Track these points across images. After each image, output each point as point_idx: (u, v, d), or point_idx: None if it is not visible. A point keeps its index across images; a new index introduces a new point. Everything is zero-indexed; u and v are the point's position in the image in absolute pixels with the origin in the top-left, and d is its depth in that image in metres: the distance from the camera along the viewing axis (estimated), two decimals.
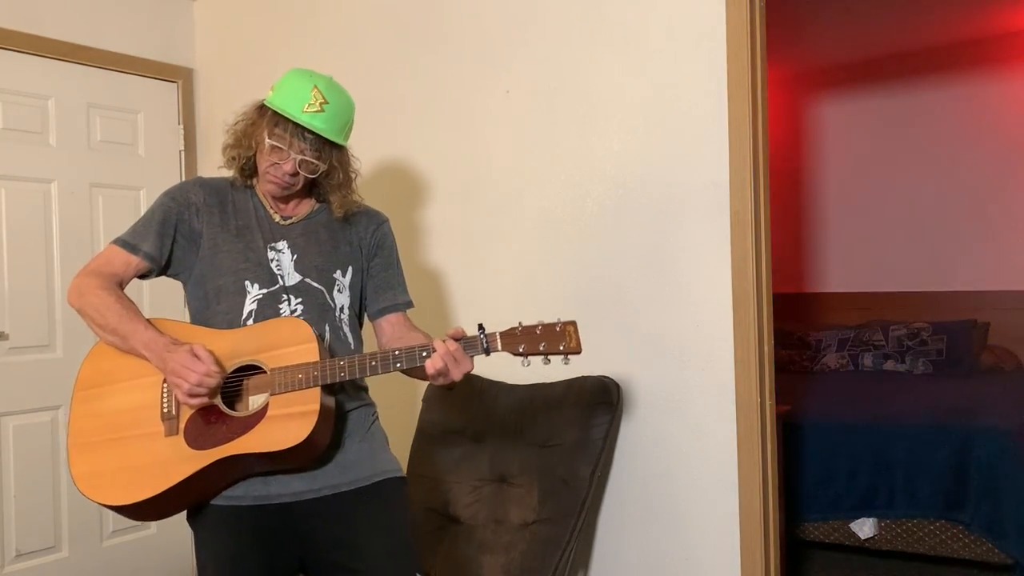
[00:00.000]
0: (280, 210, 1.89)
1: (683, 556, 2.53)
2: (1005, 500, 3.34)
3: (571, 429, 2.53)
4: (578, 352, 1.66)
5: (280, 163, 1.79)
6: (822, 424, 3.75)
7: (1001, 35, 5.25)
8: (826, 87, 5.91)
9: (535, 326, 1.66)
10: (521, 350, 1.66)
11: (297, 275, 1.83)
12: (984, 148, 5.33)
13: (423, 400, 2.88)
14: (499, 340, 1.66)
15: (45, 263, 3.25)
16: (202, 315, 1.82)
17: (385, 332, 1.95)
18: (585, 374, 2.65)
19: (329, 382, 1.66)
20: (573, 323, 1.67)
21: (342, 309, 1.87)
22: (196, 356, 1.65)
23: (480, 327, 1.68)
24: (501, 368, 2.86)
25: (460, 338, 1.67)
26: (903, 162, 5.61)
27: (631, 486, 2.62)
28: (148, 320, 1.74)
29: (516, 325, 1.67)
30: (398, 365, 1.67)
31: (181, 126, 3.69)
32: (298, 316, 1.79)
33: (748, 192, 2.40)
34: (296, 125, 1.76)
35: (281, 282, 1.81)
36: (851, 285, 5.84)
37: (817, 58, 5.72)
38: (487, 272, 2.92)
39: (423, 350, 1.66)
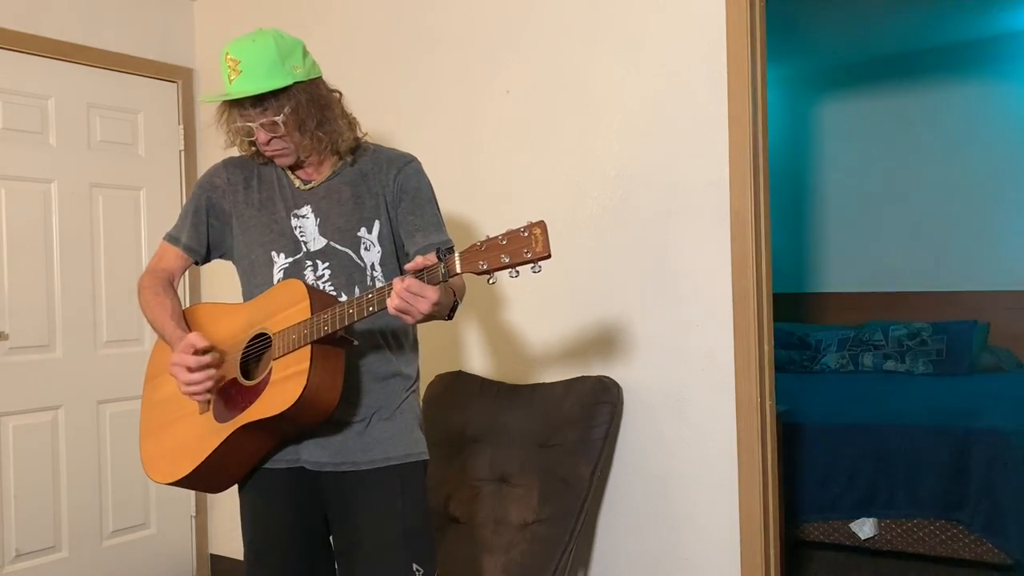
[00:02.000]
0: (304, 176, 1.89)
1: (683, 556, 2.53)
2: (1005, 500, 3.34)
3: (571, 429, 2.53)
4: (546, 256, 1.44)
5: (255, 141, 1.80)
6: (822, 424, 3.75)
7: (1001, 35, 5.25)
8: (826, 87, 5.91)
9: (499, 236, 1.48)
10: (483, 266, 1.47)
11: (322, 239, 1.84)
12: (984, 148, 5.33)
13: (423, 400, 2.88)
14: (458, 262, 1.50)
15: (45, 263, 3.24)
16: (247, 290, 1.91)
17: None
18: (585, 374, 2.65)
19: (317, 337, 1.64)
20: (541, 223, 1.45)
21: (373, 267, 1.85)
22: (183, 352, 1.71)
23: (439, 252, 1.53)
24: (502, 367, 2.86)
25: (419, 269, 1.54)
26: (903, 162, 5.61)
27: (631, 486, 2.62)
28: (182, 312, 1.86)
29: (481, 239, 1.51)
30: (371, 308, 1.59)
31: (181, 126, 3.68)
32: (325, 280, 1.82)
33: (748, 192, 2.40)
34: (231, 102, 1.77)
35: (305, 249, 1.83)
36: (851, 285, 5.85)
37: (817, 58, 5.72)
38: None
39: (389, 287, 1.55)
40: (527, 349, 2.82)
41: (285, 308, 1.71)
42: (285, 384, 1.66)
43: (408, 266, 1.56)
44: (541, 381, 2.74)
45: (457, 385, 2.85)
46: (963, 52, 5.37)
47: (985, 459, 3.40)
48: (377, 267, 1.86)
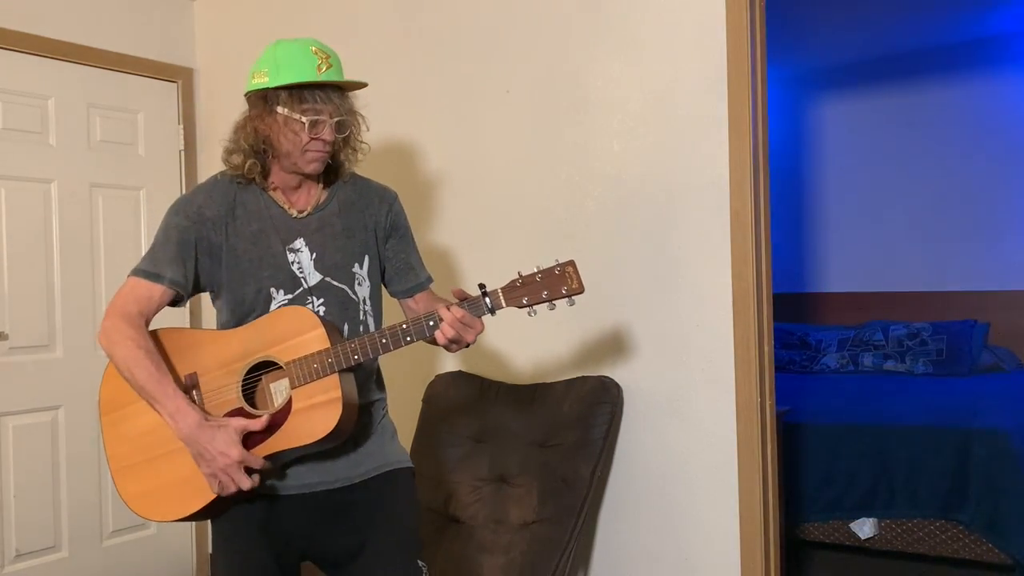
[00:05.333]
0: (293, 203, 1.83)
1: (683, 556, 2.53)
2: (1005, 500, 3.34)
3: (571, 429, 2.53)
4: (581, 291, 1.65)
5: (319, 136, 1.74)
6: (822, 424, 3.75)
7: (1001, 35, 5.25)
8: (826, 87, 5.91)
9: (534, 273, 1.65)
10: (525, 302, 1.65)
11: (318, 274, 1.80)
12: (984, 148, 5.33)
13: (423, 400, 2.88)
14: (502, 297, 1.65)
15: (45, 263, 3.24)
16: (234, 324, 1.79)
17: (412, 310, 1.94)
18: (585, 374, 2.65)
19: (344, 367, 1.66)
20: (572, 263, 1.66)
21: (364, 301, 1.85)
22: (243, 463, 1.63)
23: (481, 287, 1.66)
24: (502, 367, 2.86)
25: (463, 300, 1.66)
26: (903, 162, 5.61)
27: (631, 486, 2.62)
28: (175, 380, 1.69)
29: (515, 277, 1.66)
30: (408, 339, 1.67)
31: (181, 126, 3.68)
32: (320, 316, 1.78)
33: (748, 192, 2.40)
34: (323, 89, 1.73)
35: (304, 284, 1.79)
36: (851, 285, 5.84)
37: (817, 58, 5.72)
38: (486, 272, 2.90)
39: (429, 319, 1.66)
40: (527, 349, 2.82)
41: (293, 336, 1.68)
42: (315, 412, 1.65)
43: (455, 293, 1.66)
44: (541, 381, 2.74)
45: (457, 385, 2.85)
46: (963, 52, 5.37)
47: (985, 459, 3.40)
48: (368, 302, 1.86)
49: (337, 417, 1.64)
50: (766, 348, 2.45)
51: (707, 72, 2.47)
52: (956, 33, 5.21)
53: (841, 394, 4.33)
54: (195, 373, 1.73)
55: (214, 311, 1.87)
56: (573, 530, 2.41)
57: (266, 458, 1.67)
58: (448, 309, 1.64)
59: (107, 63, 3.43)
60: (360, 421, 1.81)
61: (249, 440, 1.66)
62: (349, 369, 1.69)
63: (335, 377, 1.66)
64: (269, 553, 1.77)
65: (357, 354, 1.65)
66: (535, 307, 1.65)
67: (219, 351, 1.73)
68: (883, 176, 5.68)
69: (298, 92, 1.72)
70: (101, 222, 3.40)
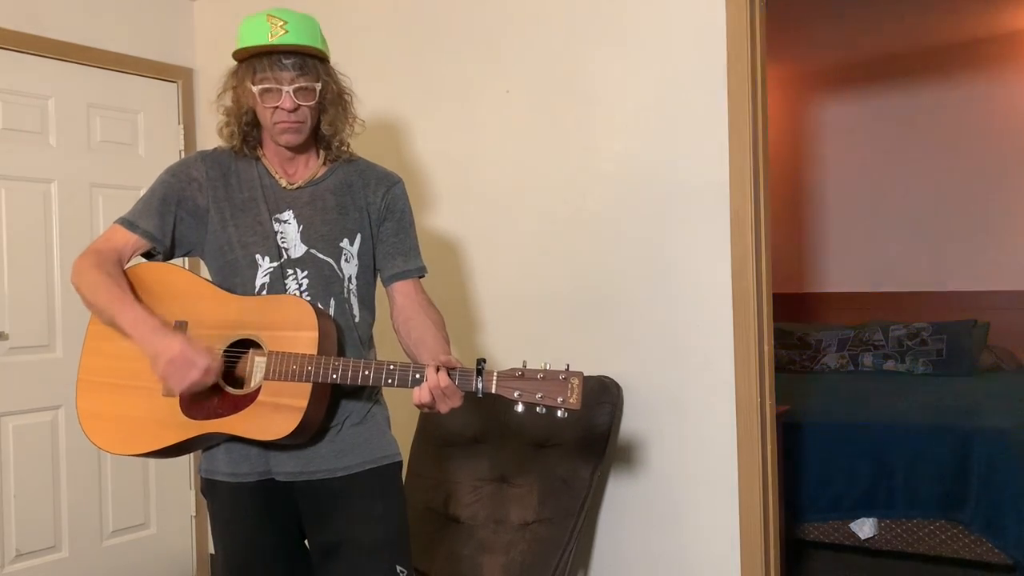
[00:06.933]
0: (289, 175, 1.83)
1: (683, 556, 2.53)
2: (1005, 500, 3.34)
3: (571, 429, 2.53)
4: (576, 409, 1.55)
5: (279, 106, 1.71)
6: (822, 424, 3.75)
7: (1001, 35, 5.25)
8: (826, 87, 5.91)
9: (538, 371, 1.57)
10: (516, 396, 1.56)
11: (303, 246, 1.78)
12: (984, 148, 5.33)
13: None
14: (495, 381, 1.57)
15: (45, 263, 3.24)
16: (223, 287, 1.80)
17: (396, 304, 1.89)
18: (585, 374, 2.65)
19: (320, 380, 1.63)
20: (580, 375, 1.56)
21: (350, 279, 1.82)
22: (206, 370, 1.59)
23: (479, 362, 1.59)
24: (501, 367, 2.86)
25: (454, 370, 1.58)
26: (903, 162, 5.61)
27: (631, 486, 2.62)
28: (137, 297, 1.69)
29: (520, 366, 1.58)
30: (389, 382, 1.61)
31: (181, 126, 3.68)
32: (303, 290, 1.76)
33: (748, 192, 2.40)
34: (271, 57, 1.68)
35: (286, 255, 1.77)
36: (851, 285, 5.85)
37: (817, 58, 5.72)
38: (486, 272, 2.92)
39: (417, 372, 1.60)
40: (527, 348, 2.82)
41: (288, 328, 1.66)
42: (277, 413, 1.63)
43: (443, 360, 1.59)
44: None
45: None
46: (963, 52, 5.37)
47: (985, 459, 3.40)
48: (353, 280, 1.83)
49: (292, 427, 1.62)
50: (766, 348, 2.45)
51: (707, 72, 2.47)
52: (956, 33, 5.21)
53: (841, 394, 4.33)
54: (186, 323, 1.71)
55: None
56: (573, 530, 2.41)
57: (214, 435, 1.68)
58: (436, 372, 1.57)
59: (107, 63, 3.43)
60: (344, 409, 1.80)
61: (207, 407, 1.66)
62: (327, 383, 1.66)
63: (308, 388, 1.63)
64: (269, 534, 1.80)
65: (337, 373, 1.61)
66: (523, 404, 1.56)
67: (215, 311, 1.71)
68: (883, 176, 5.69)
69: (251, 63, 1.72)
70: (101, 222, 3.39)
